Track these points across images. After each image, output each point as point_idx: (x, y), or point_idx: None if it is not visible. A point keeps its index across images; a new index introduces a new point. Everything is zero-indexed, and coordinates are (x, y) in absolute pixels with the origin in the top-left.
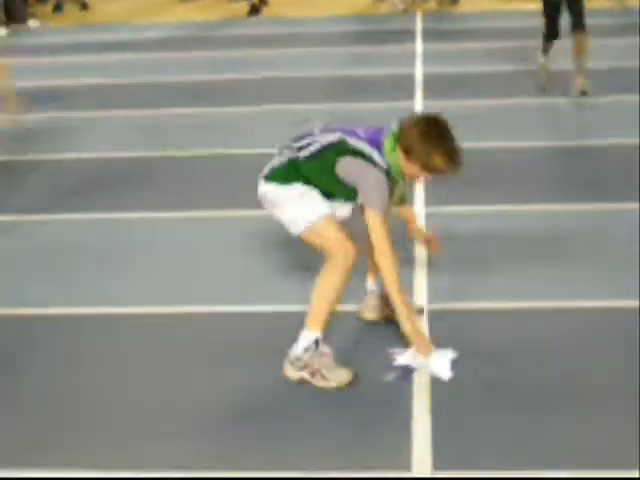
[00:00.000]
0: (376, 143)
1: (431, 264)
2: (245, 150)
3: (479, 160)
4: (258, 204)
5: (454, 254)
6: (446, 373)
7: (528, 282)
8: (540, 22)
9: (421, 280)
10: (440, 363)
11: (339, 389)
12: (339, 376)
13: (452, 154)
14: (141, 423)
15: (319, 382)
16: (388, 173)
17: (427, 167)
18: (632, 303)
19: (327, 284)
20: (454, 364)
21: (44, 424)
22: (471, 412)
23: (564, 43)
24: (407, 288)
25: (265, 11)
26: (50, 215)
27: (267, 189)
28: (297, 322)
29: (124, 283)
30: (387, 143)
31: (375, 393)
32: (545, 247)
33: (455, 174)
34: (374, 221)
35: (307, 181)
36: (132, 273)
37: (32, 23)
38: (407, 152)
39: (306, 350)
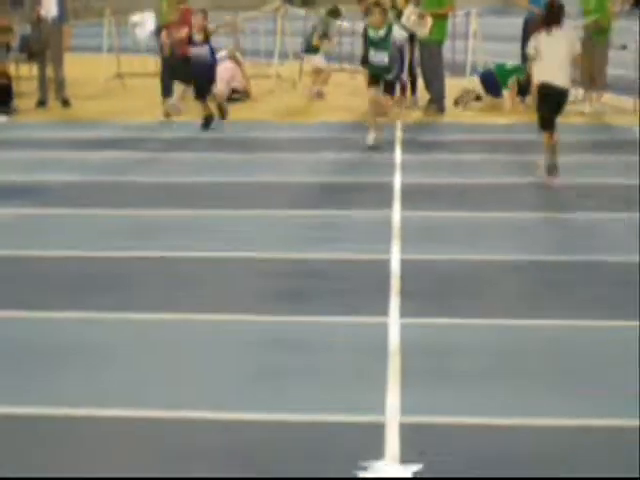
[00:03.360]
0: None
1: (405, 377)
2: (224, 254)
3: (456, 272)
4: (234, 307)
5: (428, 366)
6: None
7: (501, 397)
8: (520, 136)
9: (394, 393)
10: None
11: None
12: None
13: None
14: None
15: None
16: None
17: None
18: (603, 422)
19: None
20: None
21: None
22: None
23: None
24: (380, 399)
25: (243, 114)
26: (12, 312)
27: None
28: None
29: (87, 384)
30: None
31: None
32: (520, 362)
33: None
34: None
35: None
36: (96, 373)
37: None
38: None
39: None
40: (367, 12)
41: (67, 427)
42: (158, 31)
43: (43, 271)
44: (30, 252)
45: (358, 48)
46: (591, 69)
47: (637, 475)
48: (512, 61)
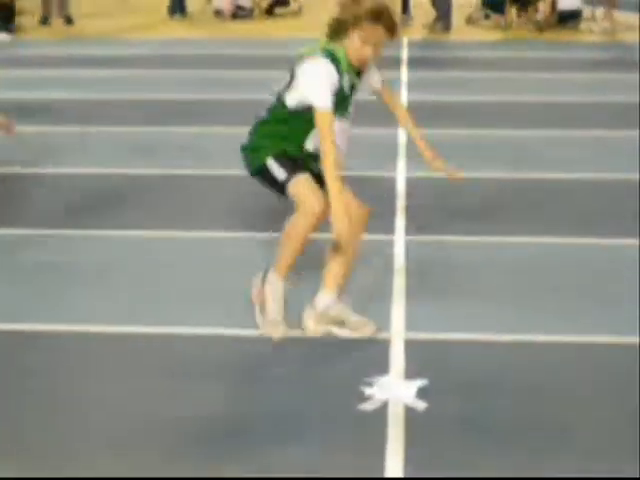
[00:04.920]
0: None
1: (409, 292)
2: (225, 171)
3: (461, 190)
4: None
5: (433, 283)
6: (420, 404)
7: (507, 314)
8: (526, 54)
9: (399, 309)
10: (410, 394)
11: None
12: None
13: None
14: (112, 441)
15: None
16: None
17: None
18: (610, 339)
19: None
20: (428, 393)
21: (17, 429)
22: (444, 444)
23: None
24: (385, 315)
25: (249, 32)
26: (15, 230)
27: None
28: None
29: (85, 301)
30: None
31: (349, 421)
32: (526, 279)
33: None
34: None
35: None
36: (104, 291)
37: (1, 37)
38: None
39: None
40: None
41: (67, 343)
42: None
43: (43, 189)
44: (31, 170)
45: None
46: None
47: (637, 390)
48: None
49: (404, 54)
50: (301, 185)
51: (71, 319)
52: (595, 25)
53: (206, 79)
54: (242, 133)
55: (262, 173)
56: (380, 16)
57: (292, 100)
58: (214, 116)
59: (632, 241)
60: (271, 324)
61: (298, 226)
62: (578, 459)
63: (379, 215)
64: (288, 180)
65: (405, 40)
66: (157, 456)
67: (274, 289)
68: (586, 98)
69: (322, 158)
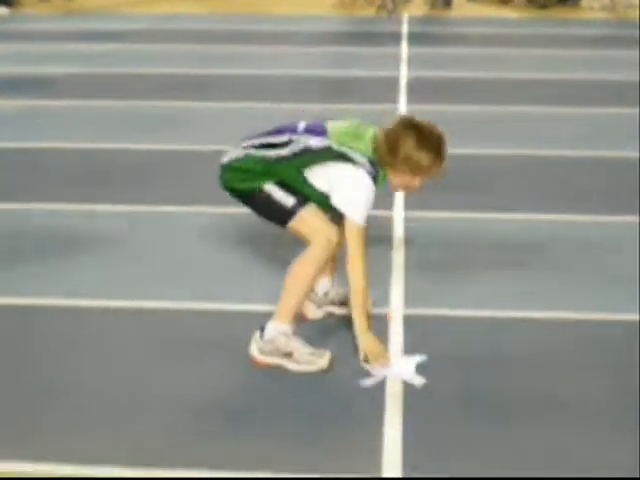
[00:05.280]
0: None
1: (408, 268)
2: (226, 147)
3: (460, 166)
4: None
5: (432, 259)
6: (418, 380)
7: (505, 290)
8: (526, 30)
9: (398, 284)
10: (409, 370)
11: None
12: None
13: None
14: (108, 418)
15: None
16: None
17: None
18: (609, 316)
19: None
20: (426, 369)
21: (11, 413)
22: (443, 419)
23: None
24: (384, 291)
25: (251, 7)
26: (25, 204)
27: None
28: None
29: (94, 275)
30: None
31: (347, 398)
32: (525, 256)
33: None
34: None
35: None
36: (102, 265)
37: (0, 11)
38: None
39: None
40: None
41: (71, 318)
42: None
43: (45, 163)
44: (33, 144)
45: None
46: None
47: (637, 372)
48: None
49: (404, 30)
50: (313, 214)
51: (66, 293)
52: (595, 1)
53: (207, 54)
54: (243, 107)
55: (251, 196)
56: (443, 159)
57: (317, 181)
58: (216, 91)
59: (632, 218)
60: (312, 361)
61: (311, 261)
62: (577, 434)
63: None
64: (296, 208)
65: (406, 16)
66: (157, 435)
67: (287, 335)
68: (586, 75)
69: (352, 281)
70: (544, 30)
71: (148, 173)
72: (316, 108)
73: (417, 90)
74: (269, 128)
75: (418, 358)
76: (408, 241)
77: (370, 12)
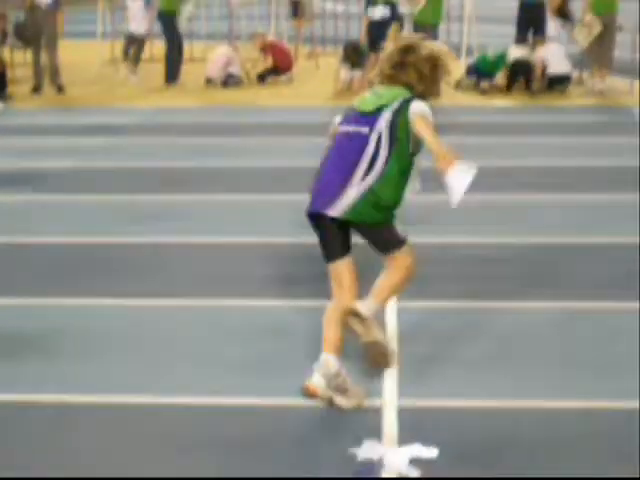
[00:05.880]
0: None
1: (402, 360)
2: (216, 239)
3: (448, 256)
4: (227, 292)
5: (425, 351)
6: (413, 471)
7: (500, 381)
8: (512, 119)
9: (391, 375)
10: (405, 462)
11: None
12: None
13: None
14: None
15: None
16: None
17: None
18: (600, 404)
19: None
20: (421, 461)
21: None
22: None
23: None
24: (377, 383)
25: (244, 99)
26: (5, 299)
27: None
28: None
29: (81, 370)
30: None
31: None
32: (521, 346)
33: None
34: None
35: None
36: (91, 360)
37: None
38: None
39: None
40: None
41: (61, 414)
42: (160, 16)
43: (37, 257)
44: (24, 239)
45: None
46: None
47: (638, 461)
48: (507, 44)
49: None
50: (411, 248)
51: (49, 389)
52: (586, 87)
53: (199, 147)
54: (234, 200)
55: (377, 227)
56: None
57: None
58: (206, 184)
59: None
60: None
61: (402, 280)
62: None
63: (370, 280)
64: (404, 241)
65: None
66: None
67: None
68: (575, 162)
69: (435, 152)
70: (534, 118)
71: (138, 266)
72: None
73: None
74: (262, 219)
75: (413, 450)
76: (401, 333)
77: None
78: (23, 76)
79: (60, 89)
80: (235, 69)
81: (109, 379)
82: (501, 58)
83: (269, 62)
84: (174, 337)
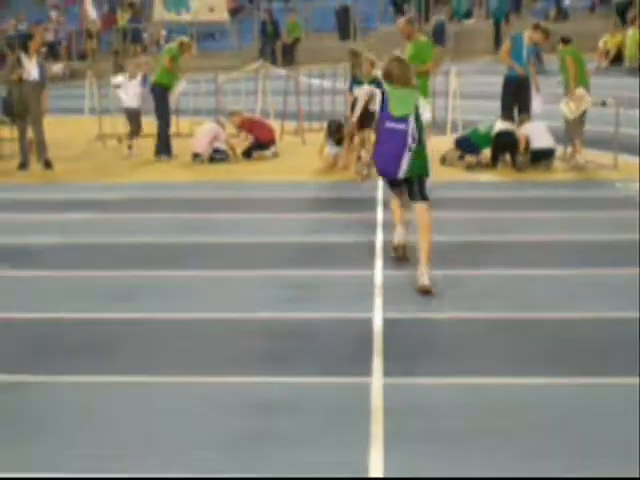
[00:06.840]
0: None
1: (388, 437)
2: (204, 315)
3: (440, 331)
4: (218, 370)
5: (411, 428)
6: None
7: (489, 457)
8: (503, 194)
9: (377, 454)
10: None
11: None
12: None
13: None
14: None
15: None
16: None
17: None
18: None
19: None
20: None
21: None
22: None
23: None
24: (362, 462)
25: (230, 175)
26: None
27: None
28: None
29: (62, 448)
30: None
31: None
32: (509, 422)
33: None
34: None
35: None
36: (72, 438)
37: None
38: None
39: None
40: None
41: None
42: (154, 89)
43: (21, 334)
44: (8, 315)
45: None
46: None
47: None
48: (493, 119)
49: (379, 195)
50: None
51: (30, 467)
52: (566, 162)
53: (185, 222)
54: (222, 276)
55: (420, 178)
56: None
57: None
58: (192, 259)
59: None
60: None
61: (430, 235)
62: None
63: (355, 357)
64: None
65: (380, 181)
66: None
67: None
68: (561, 237)
69: None
70: (519, 193)
71: (122, 343)
72: (292, 274)
73: (393, 260)
74: (247, 295)
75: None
76: (387, 409)
77: (348, 176)
78: (9, 152)
79: (47, 165)
80: (222, 144)
81: (89, 457)
82: (492, 131)
83: (250, 139)
84: (155, 414)
